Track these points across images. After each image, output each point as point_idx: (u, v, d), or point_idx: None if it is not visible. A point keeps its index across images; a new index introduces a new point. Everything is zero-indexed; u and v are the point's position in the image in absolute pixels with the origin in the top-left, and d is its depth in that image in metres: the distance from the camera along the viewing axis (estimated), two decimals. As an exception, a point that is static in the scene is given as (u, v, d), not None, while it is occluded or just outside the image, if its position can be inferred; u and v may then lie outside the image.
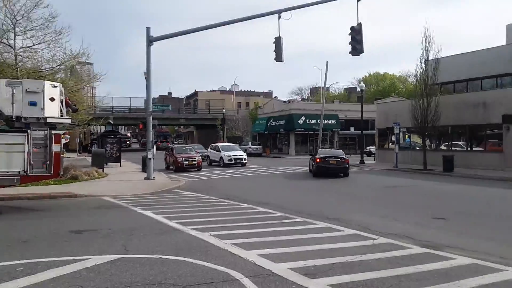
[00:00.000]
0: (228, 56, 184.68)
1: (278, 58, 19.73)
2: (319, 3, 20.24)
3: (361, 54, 18.69)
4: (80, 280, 6.46)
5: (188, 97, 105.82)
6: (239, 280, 6.52)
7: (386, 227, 10.73)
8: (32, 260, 7.43)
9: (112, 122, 41.81)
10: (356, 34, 18.55)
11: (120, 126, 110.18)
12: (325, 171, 24.52)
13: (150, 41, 21.84)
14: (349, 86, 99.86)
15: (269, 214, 12.76)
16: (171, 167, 30.67)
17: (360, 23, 18.60)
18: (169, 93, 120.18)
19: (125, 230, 10.21)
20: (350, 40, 18.76)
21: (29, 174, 12.43)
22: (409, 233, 10.01)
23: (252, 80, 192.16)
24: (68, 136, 14.24)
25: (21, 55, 21.32)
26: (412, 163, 32.05)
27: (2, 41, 20.89)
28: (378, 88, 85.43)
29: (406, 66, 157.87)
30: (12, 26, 20.53)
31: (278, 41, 19.60)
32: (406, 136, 35.37)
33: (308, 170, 28.47)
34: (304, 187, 20.49)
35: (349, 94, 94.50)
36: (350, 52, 18.88)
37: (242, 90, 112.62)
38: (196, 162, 29.94)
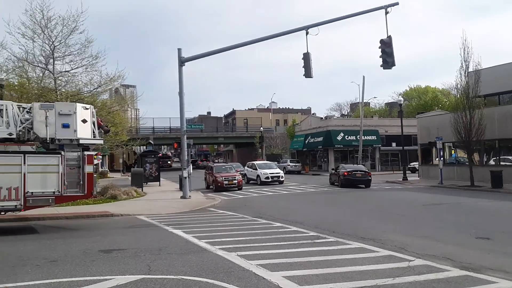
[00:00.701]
0: (265, 74, 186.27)
1: (307, 74, 19.52)
2: (344, 18, 19.99)
3: (393, 67, 18.21)
4: (100, 301, 6.40)
5: (226, 116, 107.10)
6: (259, 304, 6.24)
7: (424, 248, 10.10)
8: (56, 280, 7.46)
9: (152, 142, 42.76)
10: (386, 47, 18.09)
11: (162, 146, 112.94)
12: (352, 182, 29.67)
13: (182, 61, 22.24)
14: (390, 101, 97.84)
15: (301, 233, 12.37)
16: (211, 187, 30.20)
17: (390, 35, 18.17)
18: (208, 112, 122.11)
19: (153, 249, 10.16)
20: (381, 53, 18.28)
21: (63, 194, 12.73)
22: (449, 254, 9.35)
23: (290, 97, 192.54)
24: (100, 157, 14.57)
25: (60, 79, 22.24)
26: (458, 179, 30.59)
27: (41, 66, 21.90)
28: (420, 102, 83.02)
29: (449, 78, 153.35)
30: (50, 52, 21.51)
31: (306, 57, 19.43)
32: (453, 151, 33.96)
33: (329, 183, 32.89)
34: (341, 206, 19.88)
35: (390, 109, 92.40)
36: (381, 66, 18.39)
37: (280, 107, 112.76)
38: (236, 181, 29.08)
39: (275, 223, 14.45)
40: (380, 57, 18.92)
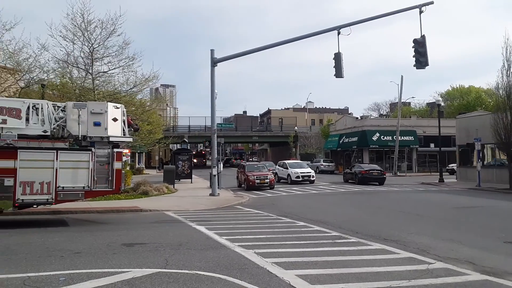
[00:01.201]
0: (302, 74, 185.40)
1: (338, 74, 19.32)
2: (377, 18, 19.62)
3: (426, 67, 17.74)
4: (113, 292, 6.64)
5: (261, 115, 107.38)
6: (266, 301, 6.29)
7: (447, 251, 9.82)
8: (76, 271, 7.80)
9: (186, 140, 43.51)
10: (419, 47, 17.65)
11: (199, 144, 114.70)
12: (368, 179, 32.77)
13: (214, 62, 22.55)
14: (431, 101, 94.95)
15: (324, 233, 12.30)
16: (242, 185, 29.82)
17: (424, 35, 17.72)
18: (244, 112, 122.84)
19: (173, 244, 10.40)
20: (414, 53, 17.84)
21: (93, 189, 13.24)
22: (472, 258, 9.05)
23: (327, 97, 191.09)
24: (129, 154, 14.97)
25: (98, 80, 23.07)
26: (497, 182, 29.41)
27: (80, 67, 22.78)
28: (463, 102, 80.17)
29: (494, 78, 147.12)
30: (90, 53, 22.35)
31: (337, 57, 19.23)
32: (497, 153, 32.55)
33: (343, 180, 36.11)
34: (369, 207, 19.54)
35: (431, 109, 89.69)
36: (414, 65, 17.94)
37: (317, 107, 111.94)
38: (268, 180, 28.48)
39: (299, 222, 14.42)
40: (413, 56, 18.51)
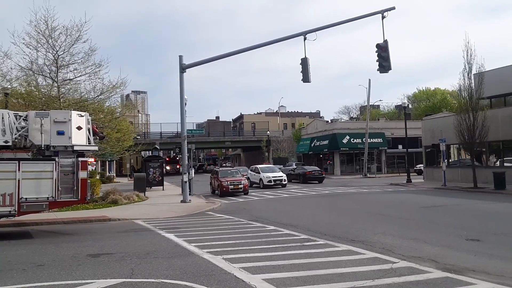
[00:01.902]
0: (274, 79, 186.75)
1: (305, 78, 19.59)
2: (342, 23, 20.08)
3: (389, 71, 18.23)
4: (76, 304, 6.52)
5: (234, 120, 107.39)
6: (232, 306, 6.31)
7: (412, 250, 10.08)
8: (38, 284, 7.62)
9: (158, 147, 43.01)
10: (382, 51, 18.11)
11: (171, 151, 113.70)
12: (311, 178, 38.58)
13: (183, 68, 22.48)
14: (398, 104, 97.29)
15: (293, 236, 12.41)
16: (216, 192, 29.24)
17: (386, 40, 18.21)
18: (217, 117, 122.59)
19: (140, 253, 10.28)
20: (377, 58, 18.29)
21: (57, 200, 12.93)
22: (435, 256, 9.33)
23: (299, 101, 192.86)
24: (94, 162, 14.71)
25: (63, 87, 22.59)
26: (462, 181, 30.35)
27: (45, 75, 22.26)
28: (429, 104, 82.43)
29: (457, 80, 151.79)
30: (54, 61, 21.87)
31: (304, 62, 19.50)
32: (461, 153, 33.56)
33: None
34: (338, 209, 19.82)
35: (399, 112, 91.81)
36: (377, 69, 18.40)
37: (289, 111, 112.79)
38: (242, 185, 27.94)
39: (269, 226, 14.49)
40: (376, 61, 18.95)
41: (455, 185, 29.21)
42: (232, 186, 27.83)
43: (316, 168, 42.16)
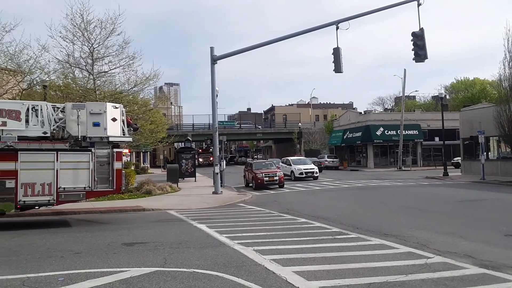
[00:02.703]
0: (306, 70, 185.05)
1: (337, 69, 19.26)
2: (375, 12, 19.53)
3: (425, 60, 17.68)
4: (110, 291, 6.69)
5: (265, 112, 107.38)
6: (262, 298, 6.32)
7: (447, 245, 9.79)
8: (75, 271, 7.86)
9: (190, 139, 43.51)
10: (418, 40, 17.56)
11: (203, 143, 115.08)
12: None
13: (214, 60, 22.58)
14: (435, 94, 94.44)
15: (324, 229, 12.31)
16: (250, 184, 28.47)
17: (422, 28, 17.62)
18: (248, 109, 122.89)
19: (173, 243, 10.46)
20: (413, 46, 17.76)
21: (94, 190, 13.33)
22: (471, 252, 9.03)
23: (331, 92, 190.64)
24: (129, 153, 15.04)
25: (99, 80, 23.16)
26: (502, 174, 29.26)
27: (81, 67, 22.88)
28: (467, 94, 79.65)
29: (497, 70, 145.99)
30: (90, 53, 22.44)
31: (336, 52, 19.18)
32: (501, 146, 32.31)
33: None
34: (371, 202, 19.49)
35: (436, 102, 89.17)
36: (413, 59, 17.87)
37: (321, 103, 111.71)
38: (277, 177, 26.98)
39: (300, 218, 14.43)
40: (412, 50, 18.41)
41: (495, 179, 28.18)
42: (267, 178, 26.94)
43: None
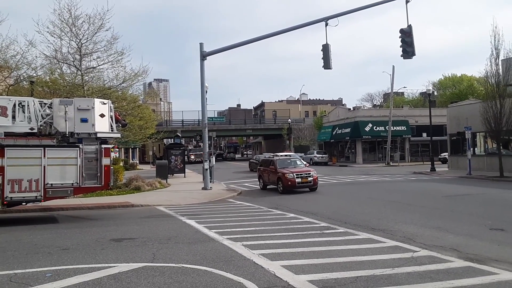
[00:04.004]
0: (295, 66, 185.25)
1: (326, 65, 19.34)
2: (363, 8, 19.64)
3: (413, 57, 17.84)
4: (98, 287, 6.69)
5: (255, 108, 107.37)
6: (250, 292, 6.37)
7: (433, 239, 9.95)
8: (63, 267, 7.84)
9: (179, 135, 43.45)
10: (406, 37, 17.70)
11: (193, 139, 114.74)
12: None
13: (203, 56, 22.50)
14: (423, 91, 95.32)
15: (312, 224, 12.42)
16: (271, 186, 23.20)
17: (410, 25, 17.77)
18: (238, 105, 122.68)
19: (161, 239, 10.46)
20: (401, 43, 17.90)
21: (82, 186, 13.25)
22: (457, 245, 9.19)
23: (321, 88, 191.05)
24: (117, 149, 14.98)
25: (87, 75, 22.97)
26: (488, 170, 29.66)
27: (69, 63, 22.66)
28: (455, 91, 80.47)
29: (484, 67, 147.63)
30: (78, 49, 22.22)
31: (325, 48, 19.24)
32: (488, 141, 32.76)
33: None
34: (359, 197, 19.65)
35: (424, 99, 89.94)
36: (401, 55, 18.01)
37: (311, 99, 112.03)
38: (312, 178, 21.34)
39: (289, 214, 14.52)
40: (400, 47, 18.57)
41: (481, 174, 28.58)
42: (300, 180, 21.03)
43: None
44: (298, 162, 24.07)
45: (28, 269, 7.71)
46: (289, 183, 21.15)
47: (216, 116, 73.42)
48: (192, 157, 64.46)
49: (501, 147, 27.96)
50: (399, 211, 14.72)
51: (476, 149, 32.37)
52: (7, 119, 12.75)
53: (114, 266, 7.81)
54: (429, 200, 17.44)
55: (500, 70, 27.03)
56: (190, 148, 67.76)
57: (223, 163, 66.32)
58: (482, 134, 31.90)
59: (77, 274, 7.35)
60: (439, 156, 47.17)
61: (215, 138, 39.52)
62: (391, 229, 11.27)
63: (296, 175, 21.31)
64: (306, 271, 7.42)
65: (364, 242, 9.78)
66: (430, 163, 36.18)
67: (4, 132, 12.69)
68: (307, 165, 24.87)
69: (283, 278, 7.01)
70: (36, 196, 12.86)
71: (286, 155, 27.44)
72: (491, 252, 8.54)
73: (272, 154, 37.83)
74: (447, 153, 40.95)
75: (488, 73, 27.33)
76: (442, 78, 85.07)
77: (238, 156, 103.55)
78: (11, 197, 12.66)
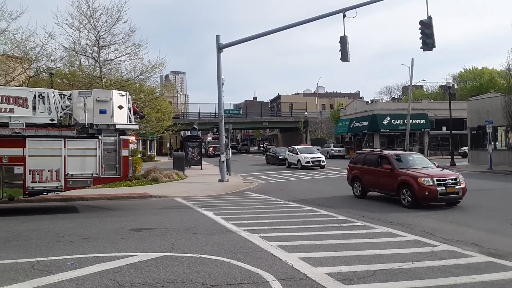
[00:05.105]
0: (313, 59, 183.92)
1: (344, 57, 19.10)
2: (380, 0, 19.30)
3: (433, 49, 17.50)
4: (119, 275, 6.77)
5: (272, 101, 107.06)
6: (268, 283, 6.38)
7: (453, 233, 9.81)
8: (84, 255, 7.97)
9: (196, 127, 43.48)
10: (426, 28, 17.33)
11: (209, 131, 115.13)
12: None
13: (220, 48, 22.45)
14: (443, 84, 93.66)
15: (330, 217, 12.36)
16: (385, 193, 16.10)
17: (430, 16, 17.38)
18: (254, 98, 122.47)
19: (180, 229, 10.54)
20: (420, 35, 17.56)
21: (101, 176, 13.43)
22: (477, 240, 9.04)
23: (338, 81, 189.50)
24: (136, 141, 15.11)
25: (105, 67, 23.18)
26: (510, 164, 29.11)
27: (87, 55, 22.89)
28: (475, 84, 78.88)
29: (506, 59, 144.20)
30: (96, 41, 22.42)
31: (343, 40, 18.98)
32: (509, 135, 32.09)
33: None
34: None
35: (444, 92, 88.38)
36: (421, 47, 17.68)
37: (328, 91, 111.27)
38: (460, 187, 14.18)
39: (306, 206, 14.48)
40: (420, 38, 18.21)
41: (502, 168, 28.01)
42: (443, 189, 13.84)
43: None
44: (423, 162, 16.50)
45: (50, 257, 7.86)
46: (426, 193, 13.84)
47: (232, 108, 73.57)
48: (211, 149, 61.04)
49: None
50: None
51: (497, 143, 31.71)
52: (27, 110, 12.96)
53: (134, 255, 7.90)
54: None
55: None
56: (208, 140, 65.62)
57: (238, 155, 66.44)
58: (504, 128, 31.24)
59: (97, 262, 7.46)
60: (459, 150, 46.40)
61: (232, 131, 39.49)
62: (411, 223, 11.14)
63: (437, 181, 13.94)
64: (324, 263, 7.39)
65: (383, 236, 9.70)
66: (449, 157, 35.60)
67: (25, 123, 12.91)
68: (437, 165, 16.97)
69: (301, 270, 6.99)
70: (57, 186, 13.09)
71: (365, 151, 19.96)
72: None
73: (292, 147, 37.75)
74: (467, 147, 40.24)
75: (510, 66, 26.78)
76: (463, 71, 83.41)
77: (254, 149, 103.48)
78: (32, 187, 12.90)
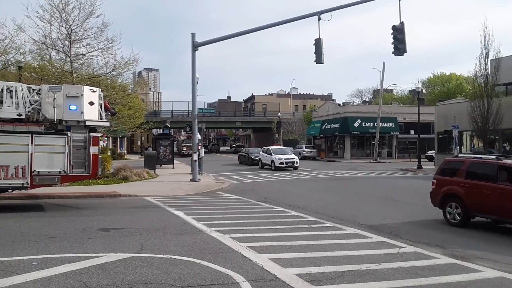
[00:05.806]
0: (286, 60, 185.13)
1: (318, 60, 19.33)
2: (355, 4, 19.64)
3: (404, 54, 17.93)
4: (86, 276, 6.64)
5: (245, 101, 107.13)
6: (238, 284, 6.40)
7: (420, 235, 10.11)
8: (50, 256, 7.77)
9: (169, 126, 43.14)
10: (398, 33, 17.78)
11: (182, 130, 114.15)
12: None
13: (195, 46, 22.33)
14: (412, 88, 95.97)
15: (300, 218, 12.49)
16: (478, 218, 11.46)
17: (402, 21, 17.83)
18: (228, 97, 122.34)
19: (150, 229, 10.43)
20: (392, 40, 17.98)
21: (69, 174, 13.11)
22: (442, 242, 9.35)
23: (312, 83, 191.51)
24: (106, 138, 14.85)
25: (76, 62, 22.65)
26: (474, 168, 30.00)
27: (58, 49, 22.31)
28: (443, 89, 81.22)
29: (473, 66, 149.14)
30: (67, 35, 21.87)
31: (317, 43, 19.21)
32: (474, 140, 33.16)
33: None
34: (347, 192, 19.82)
35: (414, 96, 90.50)
36: (392, 52, 18.12)
37: (301, 93, 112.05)
38: None
39: (277, 207, 14.57)
40: (392, 43, 18.63)
41: (466, 172, 28.94)
42: None
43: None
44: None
45: (14, 257, 7.63)
46: None
47: (206, 107, 72.94)
48: (185, 149, 57.31)
49: (487, 146, 28.36)
50: (386, 207, 14.90)
51: (462, 147, 32.77)
52: (-6, 104, 12.53)
53: (102, 256, 7.77)
54: (415, 197, 17.59)
55: (489, 70, 27.38)
56: (182, 139, 63.57)
57: (210, 155, 66.14)
58: (469, 133, 32.32)
59: (64, 263, 7.30)
60: (426, 154, 47.70)
61: (205, 130, 39.29)
62: (378, 225, 11.41)
63: None
64: (293, 264, 7.47)
65: (351, 237, 9.89)
66: (417, 160, 36.58)
67: (-9, 118, 12.48)
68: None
69: (271, 271, 7.04)
70: (22, 184, 12.70)
71: (465, 158, 12.92)
72: (478, 250, 8.73)
73: (266, 147, 37.45)
74: (433, 151, 41.40)
75: (477, 73, 27.73)
76: (431, 76, 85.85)
77: (226, 148, 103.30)
78: (-4, 184, 12.48)
